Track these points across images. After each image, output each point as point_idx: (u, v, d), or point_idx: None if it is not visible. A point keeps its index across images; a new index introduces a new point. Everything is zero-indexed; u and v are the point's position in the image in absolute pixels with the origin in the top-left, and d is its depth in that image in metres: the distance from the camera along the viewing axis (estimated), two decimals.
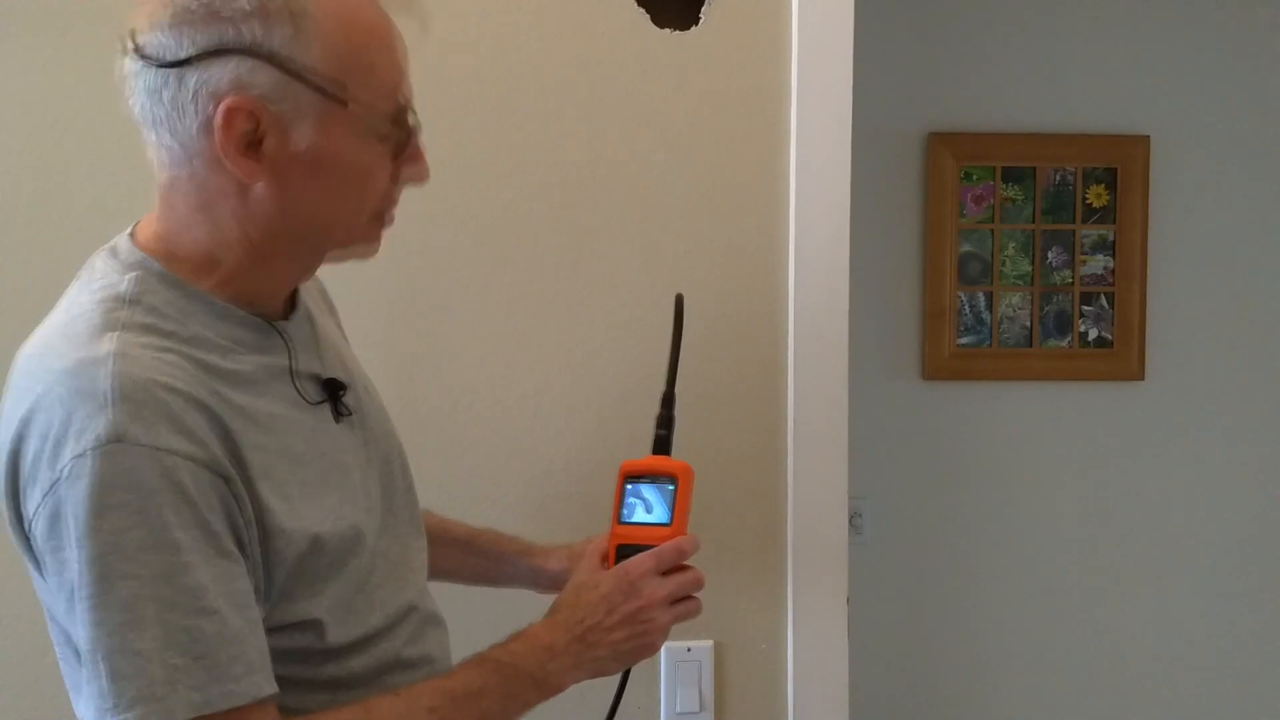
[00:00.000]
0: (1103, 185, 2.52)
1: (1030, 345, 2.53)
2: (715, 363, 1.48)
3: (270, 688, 0.87)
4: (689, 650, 1.49)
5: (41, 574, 0.89)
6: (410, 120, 0.97)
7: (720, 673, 1.50)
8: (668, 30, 1.44)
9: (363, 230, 0.99)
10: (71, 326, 0.90)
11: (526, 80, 1.43)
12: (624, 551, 1.07)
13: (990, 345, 2.52)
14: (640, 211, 1.46)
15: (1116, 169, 2.51)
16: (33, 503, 0.86)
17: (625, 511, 1.10)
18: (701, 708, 1.49)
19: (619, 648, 1.03)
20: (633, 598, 1.02)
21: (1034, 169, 2.51)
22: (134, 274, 0.92)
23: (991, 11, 2.49)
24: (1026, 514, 2.56)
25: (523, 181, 1.45)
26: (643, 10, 1.44)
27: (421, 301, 1.45)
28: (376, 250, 1.02)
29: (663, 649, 1.47)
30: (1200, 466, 2.57)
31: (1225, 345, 2.56)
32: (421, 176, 0.99)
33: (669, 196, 1.46)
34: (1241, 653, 2.60)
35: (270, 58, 0.87)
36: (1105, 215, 2.52)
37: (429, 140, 1.43)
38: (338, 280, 1.19)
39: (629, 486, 1.11)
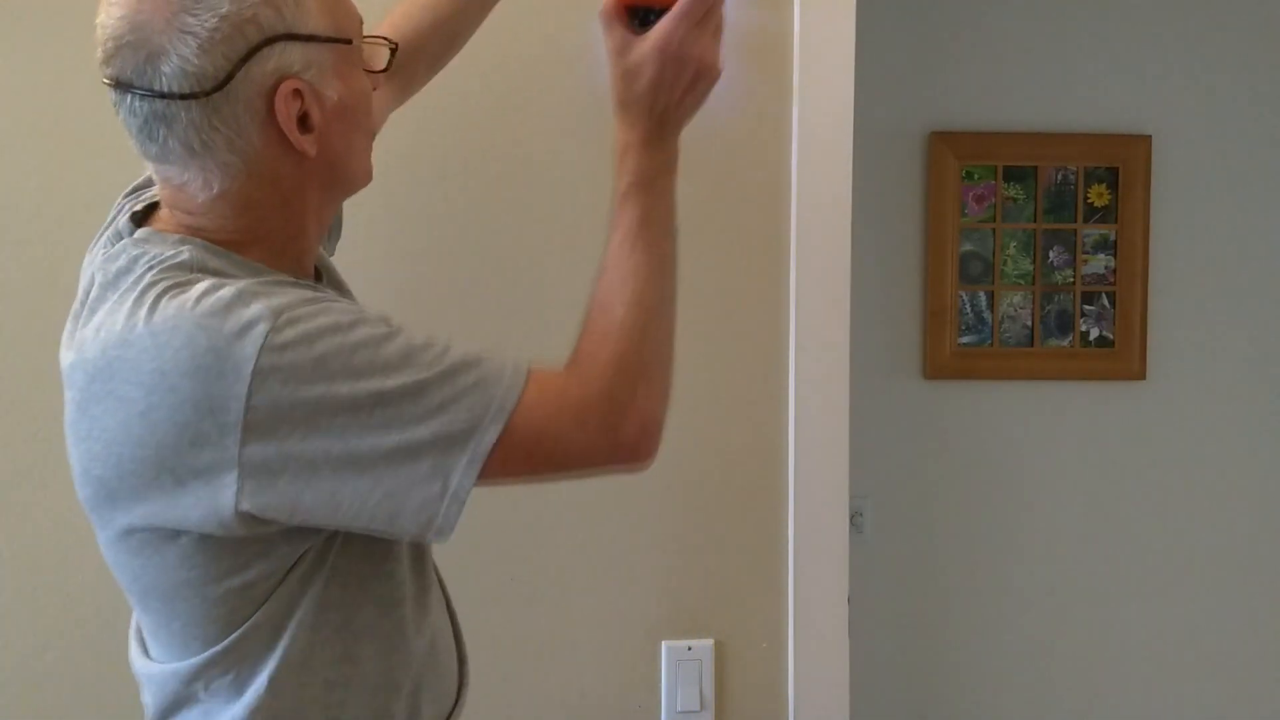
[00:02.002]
0: (1104, 185, 2.52)
1: (1031, 345, 2.53)
2: (717, 361, 1.48)
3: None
4: (690, 649, 1.49)
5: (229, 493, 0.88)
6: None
7: (721, 672, 1.50)
8: None
9: (369, 155, 1.05)
10: (150, 311, 0.89)
11: (527, 78, 1.43)
12: (637, 13, 0.99)
13: (991, 344, 2.52)
14: None
15: (1118, 168, 2.51)
16: (232, 430, 0.86)
17: None
18: (702, 706, 1.49)
19: (696, 100, 1.03)
20: (684, 66, 0.99)
21: (1035, 168, 2.50)
22: (187, 247, 0.94)
23: (993, 10, 2.49)
24: (1028, 513, 2.56)
25: (523, 181, 1.45)
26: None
27: (424, 300, 1.45)
28: (372, 174, 1.05)
29: (664, 647, 1.48)
30: (1201, 466, 2.57)
31: (1227, 345, 2.55)
32: (379, 82, 1.05)
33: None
34: (1243, 651, 2.59)
35: (289, 35, 0.92)
36: (1107, 215, 2.52)
37: (429, 142, 1.44)
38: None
39: None
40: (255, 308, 0.87)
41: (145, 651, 1.03)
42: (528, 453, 0.93)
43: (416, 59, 1.26)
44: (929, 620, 2.57)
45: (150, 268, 0.92)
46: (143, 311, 0.89)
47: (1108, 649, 2.58)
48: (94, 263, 1.01)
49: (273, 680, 0.95)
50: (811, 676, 1.50)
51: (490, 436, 0.90)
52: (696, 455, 1.49)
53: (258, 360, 0.85)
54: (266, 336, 0.86)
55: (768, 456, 1.49)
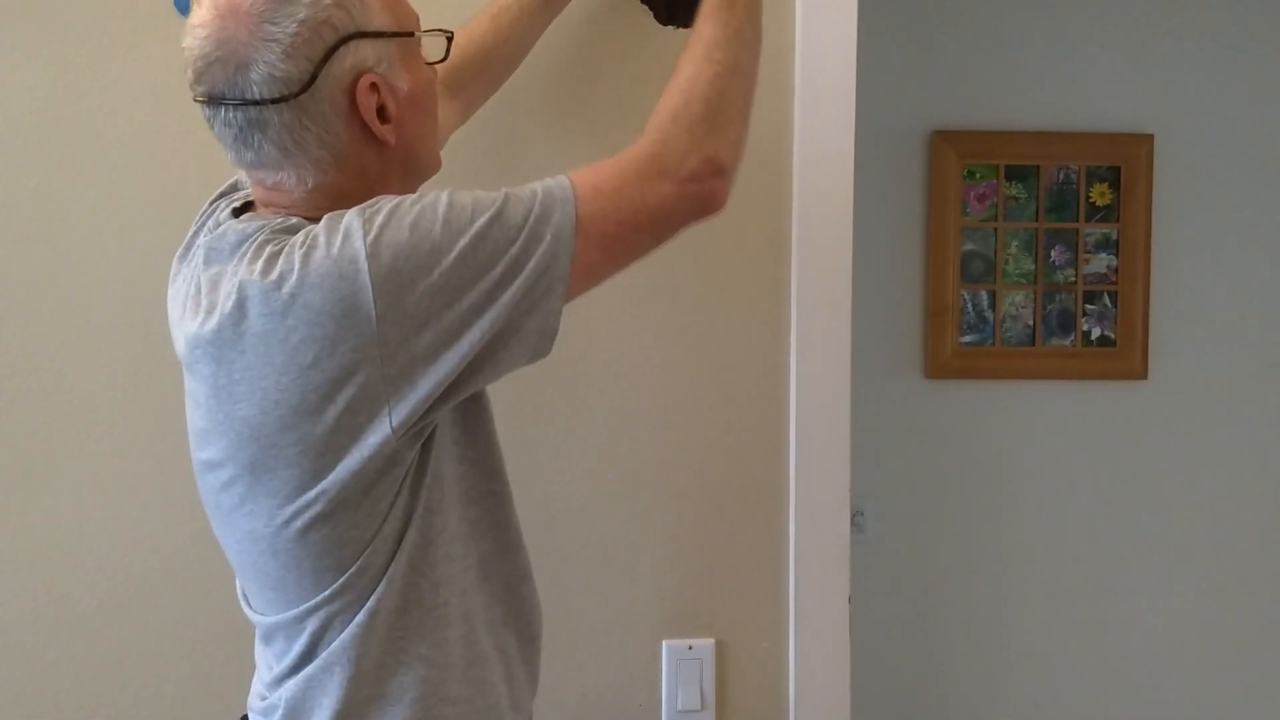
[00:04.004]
0: (1106, 184, 2.51)
1: (1033, 344, 2.53)
2: (717, 360, 1.48)
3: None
4: (690, 648, 1.49)
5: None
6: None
7: (722, 671, 1.50)
8: (671, 28, 1.44)
9: (437, 144, 1.13)
10: (270, 258, 0.96)
11: (529, 76, 1.43)
12: None
13: (993, 344, 2.52)
14: None
15: (1120, 167, 2.51)
16: (366, 322, 0.93)
17: None
18: (703, 706, 1.48)
19: None
20: None
21: (1037, 167, 2.50)
22: (294, 218, 1.01)
23: (995, 9, 2.49)
24: (1029, 513, 2.56)
25: (523, 179, 1.44)
26: (646, 7, 1.44)
27: None
28: (440, 164, 1.13)
29: (665, 646, 1.48)
30: (1203, 465, 2.57)
31: (1228, 344, 2.55)
32: (436, 73, 1.11)
33: None
34: (1244, 650, 2.59)
35: (360, 33, 1.00)
36: (1108, 214, 2.52)
37: None
38: None
39: None
40: (346, 216, 0.96)
41: (262, 612, 1.09)
42: (613, 218, 1.01)
43: (478, 79, 1.33)
44: (929, 620, 2.57)
45: (261, 230, 1.00)
46: (260, 262, 0.96)
47: (1108, 648, 2.58)
48: (195, 255, 1.06)
49: (390, 582, 1.02)
50: (812, 676, 1.50)
51: (568, 213, 0.98)
52: (697, 455, 1.49)
53: (366, 249, 0.94)
54: (364, 227, 0.95)
55: (769, 456, 1.49)
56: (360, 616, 1.02)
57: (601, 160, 1.04)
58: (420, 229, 0.95)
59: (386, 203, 0.97)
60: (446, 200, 0.97)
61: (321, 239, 0.95)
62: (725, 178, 1.05)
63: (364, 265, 0.93)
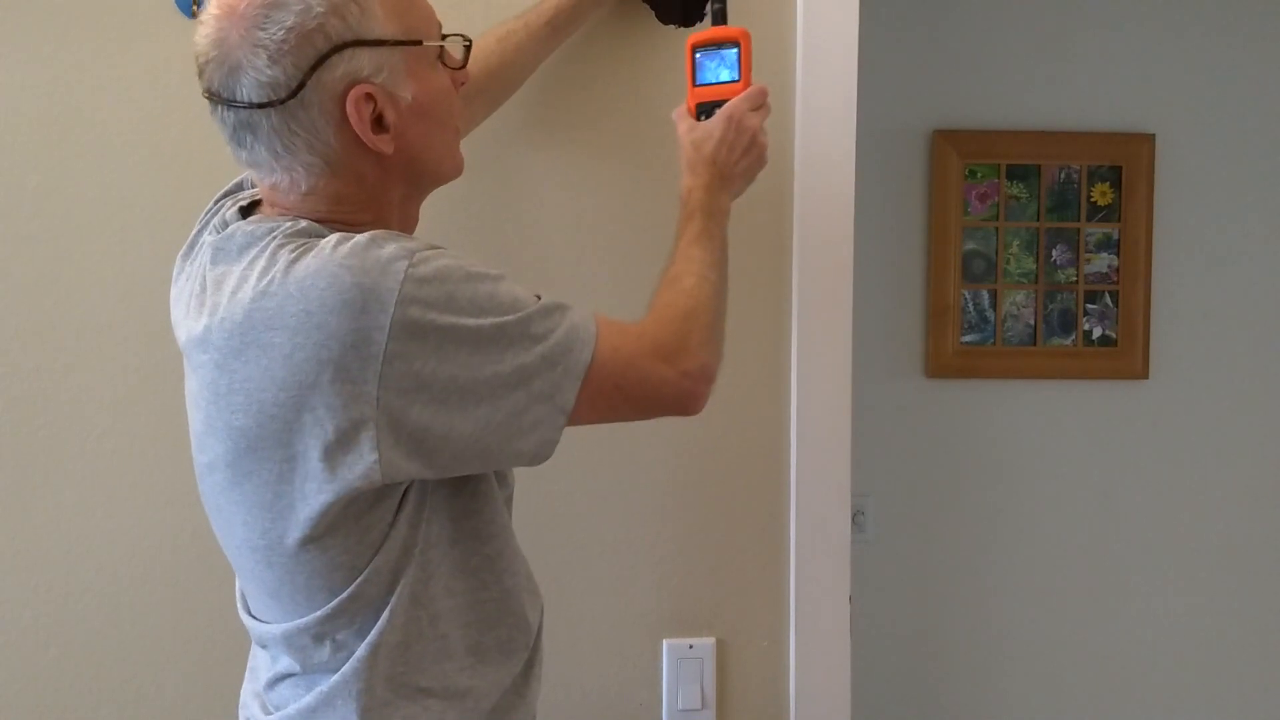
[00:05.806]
0: (1107, 183, 2.51)
1: (1034, 343, 2.53)
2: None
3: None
4: (691, 647, 1.49)
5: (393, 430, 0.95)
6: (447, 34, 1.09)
7: (722, 670, 1.50)
8: (672, 26, 1.44)
9: (456, 149, 1.13)
10: (288, 265, 0.95)
11: (531, 75, 1.43)
12: (704, 108, 1.25)
13: (994, 343, 2.52)
14: (644, 209, 1.46)
15: (1121, 167, 2.51)
16: (373, 361, 0.93)
17: (698, 75, 1.27)
18: (703, 705, 1.49)
19: (748, 171, 1.26)
20: (743, 133, 1.22)
21: (1039, 167, 2.50)
22: (303, 220, 1.01)
23: (996, 9, 2.49)
24: (1029, 512, 2.56)
25: (525, 178, 1.45)
26: (648, 5, 1.44)
27: None
28: (463, 166, 1.13)
29: (665, 645, 1.48)
30: (1203, 465, 2.57)
31: (1229, 344, 2.55)
32: (465, 77, 1.12)
33: (673, 193, 1.45)
34: (1246, 650, 2.59)
35: (357, 41, 0.98)
36: (1110, 213, 2.52)
37: None
38: None
39: (697, 55, 1.27)
40: (391, 247, 0.95)
41: (259, 616, 1.09)
42: (613, 380, 1.04)
43: (482, 97, 1.33)
44: (930, 619, 2.57)
45: (273, 234, 0.99)
46: (278, 267, 0.95)
47: (1109, 648, 2.58)
48: (201, 254, 1.06)
49: (392, 615, 1.02)
50: (812, 675, 1.50)
51: (585, 356, 1.01)
52: (698, 454, 1.49)
53: (400, 292, 0.93)
54: (406, 271, 0.94)
55: (769, 455, 1.49)
56: (361, 650, 1.02)
57: (624, 322, 1.08)
58: (456, 301, 0.96)
59: (437, 259, 0.97)
60: (491, 285, 0.99)
61: (355, 262, 0.94)
62: (710, 385, 1.11)
63: (391, 308, 0.93)
